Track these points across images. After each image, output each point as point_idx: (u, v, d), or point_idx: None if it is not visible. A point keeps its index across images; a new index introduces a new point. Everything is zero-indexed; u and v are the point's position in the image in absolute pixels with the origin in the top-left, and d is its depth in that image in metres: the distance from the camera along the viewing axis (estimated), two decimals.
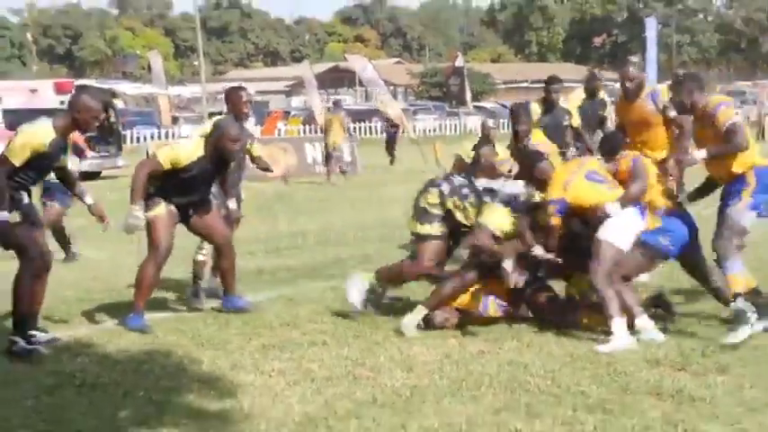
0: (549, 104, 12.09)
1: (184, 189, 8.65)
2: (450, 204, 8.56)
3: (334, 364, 7.28)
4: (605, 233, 7.93)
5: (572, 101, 12.45)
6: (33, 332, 7.91)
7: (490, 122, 12.97)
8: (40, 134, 7.69)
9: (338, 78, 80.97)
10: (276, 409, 6.25)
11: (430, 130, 50.49)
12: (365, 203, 20.79)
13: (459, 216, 8.60)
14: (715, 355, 7.29)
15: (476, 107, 63.02)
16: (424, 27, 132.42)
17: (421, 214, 8.68)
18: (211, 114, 54.17)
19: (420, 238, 8.73)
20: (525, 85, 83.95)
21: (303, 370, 7.11)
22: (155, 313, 9.05)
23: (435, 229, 8.57)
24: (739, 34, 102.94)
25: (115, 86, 51.41)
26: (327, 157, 28.45)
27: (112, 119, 29.24)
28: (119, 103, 44.67)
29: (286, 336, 8.24)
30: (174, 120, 51.17)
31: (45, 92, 27.90)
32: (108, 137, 28.77)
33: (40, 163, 7.75)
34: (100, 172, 28.12)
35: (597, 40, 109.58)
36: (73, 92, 8.22)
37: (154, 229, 8.57)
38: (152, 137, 40.90)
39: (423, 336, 8.08)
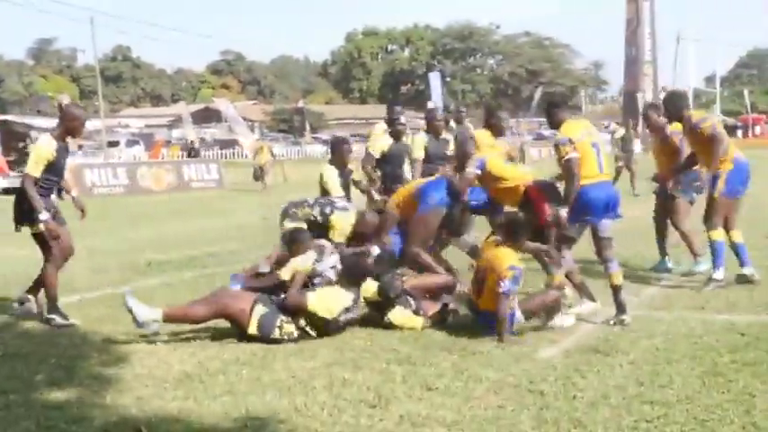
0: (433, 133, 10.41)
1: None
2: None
3: (206, 333, 7.12)
4: None
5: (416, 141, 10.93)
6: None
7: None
8: (46, 146, 7.57)
9: (208, 116, 79.28)
10: (160, 369, 6.11)
11: (279, 155, 50.25)
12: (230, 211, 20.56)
13: None
14: None
15: (314, 137, 63.24)
16: (275, 77, 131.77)
17: None
18: (110, 143, 52.59)
19: None
20: (350, 121, 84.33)
21: (181, 338, 6.96)
22: (65, 298, 8.74)
23: None
24: (506, 84, 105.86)
25: (31, 121, 49.40)
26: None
27: (30, 146, 28.37)
28: (34, 135, 43.01)
29: None
30: (80, 147, 49.83)
31: None
32: (25, 160, 27.87)
33: (53, 168, 7.62)
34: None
35: (404, 88, 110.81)
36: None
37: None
38: None
39: None
